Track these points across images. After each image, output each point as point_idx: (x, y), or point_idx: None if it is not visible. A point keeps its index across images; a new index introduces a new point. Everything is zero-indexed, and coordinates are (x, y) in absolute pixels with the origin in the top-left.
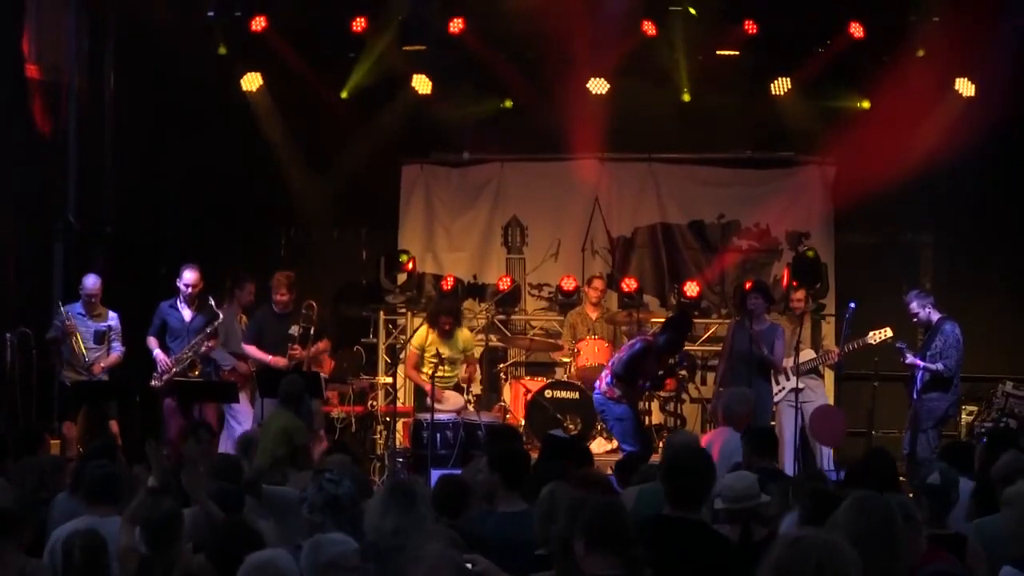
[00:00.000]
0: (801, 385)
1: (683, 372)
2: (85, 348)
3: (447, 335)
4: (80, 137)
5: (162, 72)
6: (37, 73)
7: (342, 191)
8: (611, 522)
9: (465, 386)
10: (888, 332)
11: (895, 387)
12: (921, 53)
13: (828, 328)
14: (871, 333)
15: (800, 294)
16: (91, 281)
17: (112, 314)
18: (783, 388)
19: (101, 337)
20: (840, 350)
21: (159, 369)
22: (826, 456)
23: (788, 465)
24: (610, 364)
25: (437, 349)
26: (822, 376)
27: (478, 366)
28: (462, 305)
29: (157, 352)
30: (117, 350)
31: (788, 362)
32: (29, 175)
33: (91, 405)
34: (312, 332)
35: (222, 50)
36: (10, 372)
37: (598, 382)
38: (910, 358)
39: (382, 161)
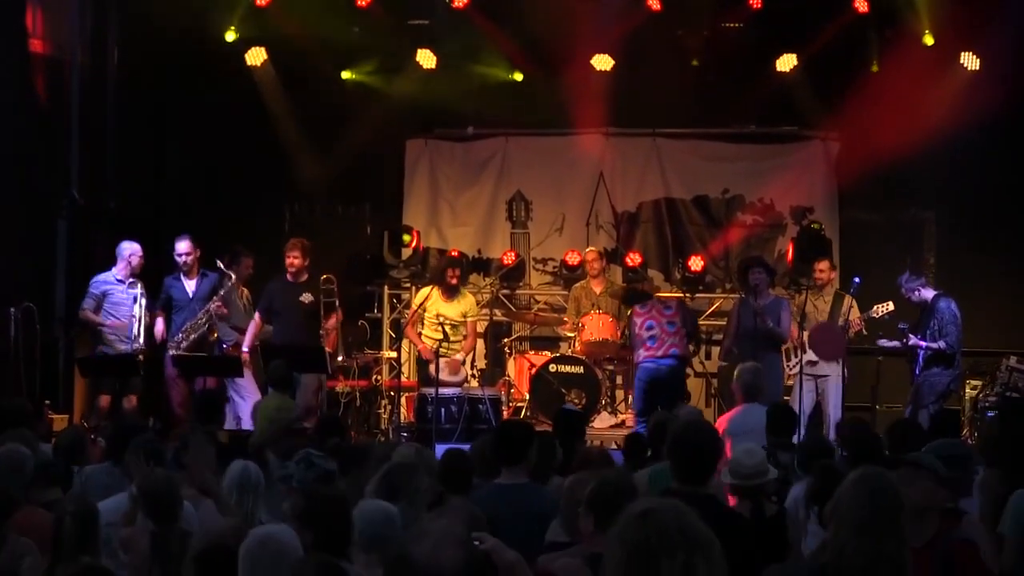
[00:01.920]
0: (815, 358)
1: None
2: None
3: (452, 292)
4: (83, 113)
5: (165, 48)
6: (40, 48)
7: (346, 166)
8: (618, 501)
9: (464, 357)
10: (890, 306)
11: (898, 362)
12: (930, 42)
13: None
14: (875, 307)
15: (824, 265)
16: (139, 248)
17: (139, 280)
18: (798, 361)
19: (134, 302)
20: (860, 320)
21: (156, 340)
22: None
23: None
24: (672, 328)
25: (438, 312)
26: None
27: (479, 339)
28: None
29: (158, 327)
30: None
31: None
32: (32, 151)
33: (108, 379)
34: (336, 303)
35: (231, 36)
36: (14, 347)
37: (674, 348)
38: (912, 340)
39: (386, 136)
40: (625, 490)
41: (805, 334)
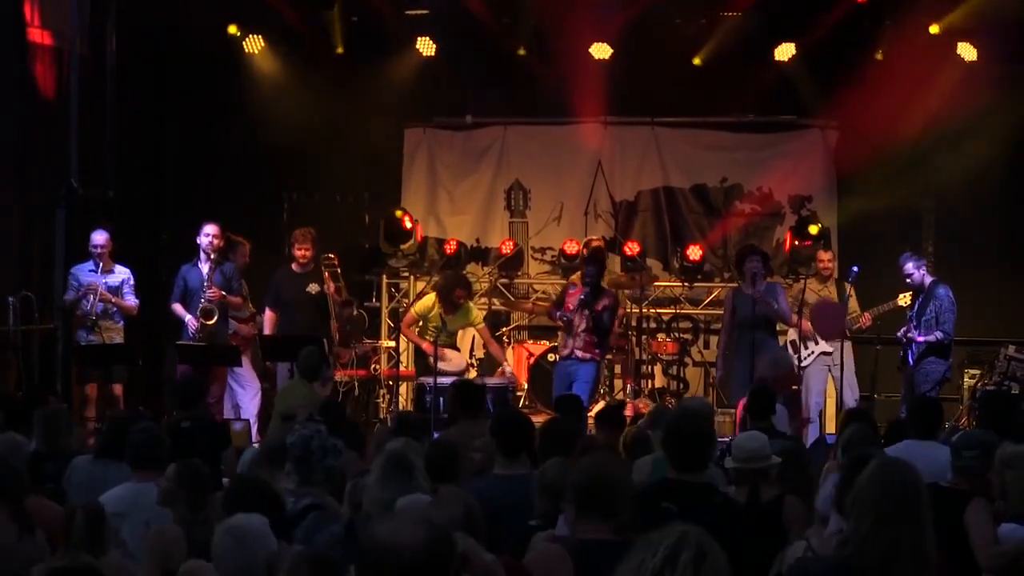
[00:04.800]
0: (830, 348)
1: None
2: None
3: (455, 309)
4: (82, 101)
5: (163, 36)
6: (39, 38)
7: (345, 155)
8: (601, 488)
9: (505, 365)
10: (908, 298)
11: (897, 351)
12: (936, 30)
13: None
14: (901, 296)
15: (827, 255)
16: (99, 236)
17: (123, 268)
18: (812, 352)
19: (115, 292)
20: (868, 317)
21: (189, 333)
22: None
23: (814, 427)
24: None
25: (441, 320)
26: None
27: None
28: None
29: (189, 319)
30: (132, 300)
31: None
32: (31, 139)
33: (97, 368)
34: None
35: (233, 29)
36: (13, 336)
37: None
38: (912, 333)
39: (385, 125)
40: (608, 479)
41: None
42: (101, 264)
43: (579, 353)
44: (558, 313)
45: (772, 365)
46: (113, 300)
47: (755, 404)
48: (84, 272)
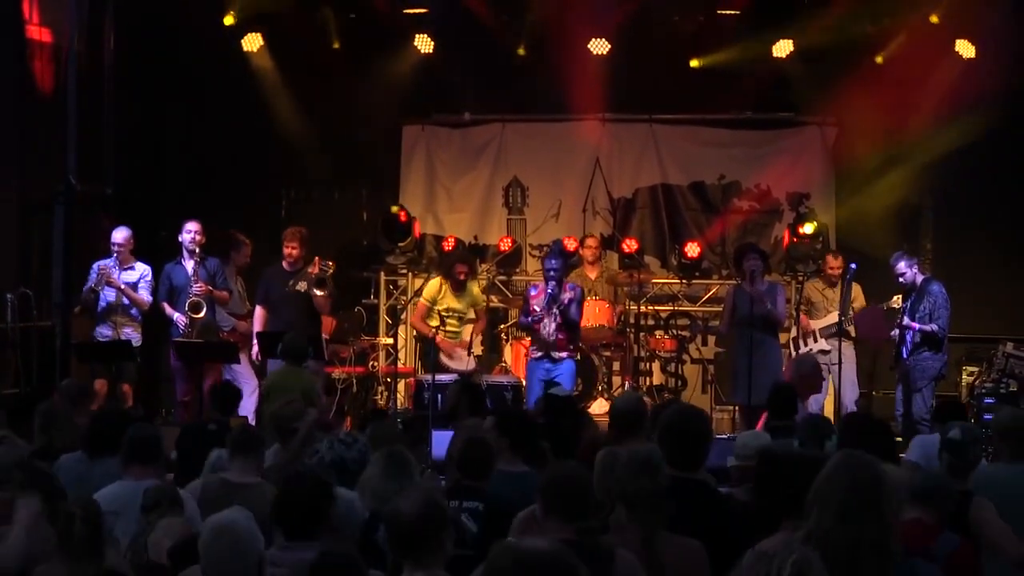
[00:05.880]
0: (828, 347)
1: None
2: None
3: (460, 286)
4: (80, 98)
5: (162, 33)
6: (38, 35)
7: (343, 152)
8: (569, 491)
9: (472, 338)
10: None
11: (893, 348)
12: (935, 20)
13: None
14: (895, 297)
15: (837, 261)
16: (119, 234)
17: (142, 264)
18: (810, 350)
19: (133, 288)
20: (841, 311)
21: (180, 330)
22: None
23: None
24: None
25: (448, 306)
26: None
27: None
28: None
29: (177, 316)
30: (146, 295)
31: (814, 324)
32: (29, 137)
33: (99, 365)
34: (328, 278)
35: (229, 20)
36: (11, 333)
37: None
38: (906, 320)
39: (383, 122)
40: (576, 482)
41: (848, 318)
42: (119, 260)
43: (555, 354)
44: (527, 319)
45: (795, 366)
46: (123, 289)
47: (775, 402)
48: (105, 268)
